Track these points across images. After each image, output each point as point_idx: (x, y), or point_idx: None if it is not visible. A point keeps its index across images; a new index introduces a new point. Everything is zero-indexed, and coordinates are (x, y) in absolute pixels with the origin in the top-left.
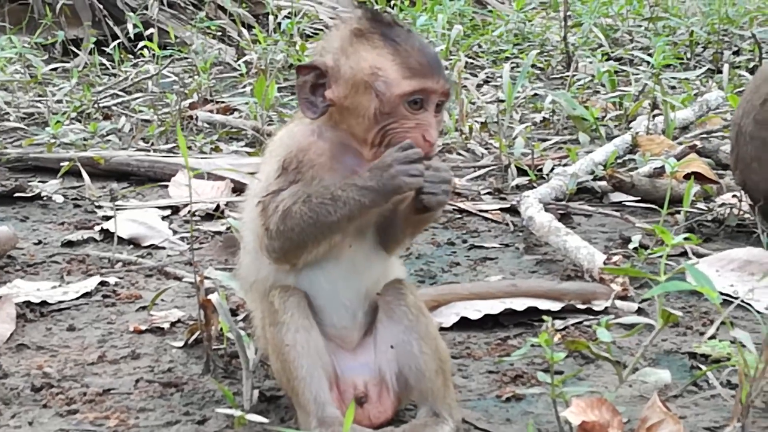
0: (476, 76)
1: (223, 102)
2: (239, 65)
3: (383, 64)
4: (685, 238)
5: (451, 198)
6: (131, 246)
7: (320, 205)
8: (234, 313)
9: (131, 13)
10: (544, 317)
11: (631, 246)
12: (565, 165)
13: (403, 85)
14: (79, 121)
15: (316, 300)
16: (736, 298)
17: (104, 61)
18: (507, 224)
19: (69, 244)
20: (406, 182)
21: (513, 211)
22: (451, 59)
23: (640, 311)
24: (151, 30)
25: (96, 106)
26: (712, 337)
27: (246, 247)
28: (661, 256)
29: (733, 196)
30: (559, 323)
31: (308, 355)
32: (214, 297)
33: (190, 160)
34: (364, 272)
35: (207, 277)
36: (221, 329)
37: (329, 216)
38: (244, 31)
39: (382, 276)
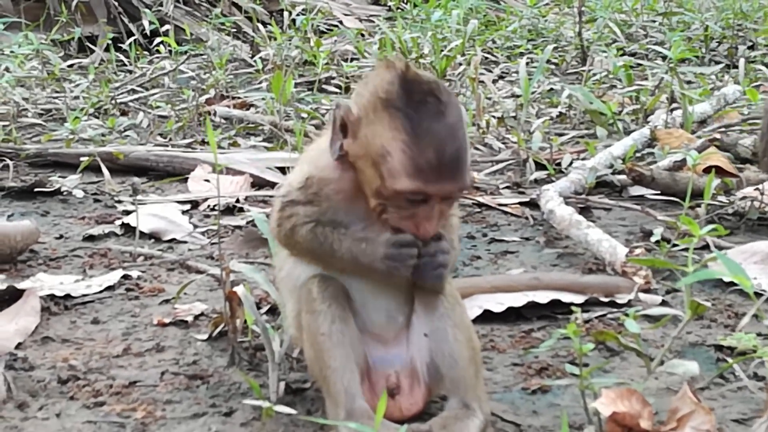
0: (491, 71)
1: (239, 98)
2: (255, 61)
3: (393, 151)
4: (712, 230)
5: (470, 193)
6: (152, 240)
7: (324, 243)
8: (257, 306)
9: (147, 10)
10: (573, 308)
11: (653, 239)
12: (583, 159)
13: (402, 183)
14: (97, 117)
15: (355, 299)
16: (761, 291)
17: (121, 57)
18: (527, 218)
19: (90, 238)
20: (392, 267)
21: (532, 204)
22: (466, 55)
23: (663, 303)
24: (167, 26)
25: (113, 102)
26: (736, 329)
27: None
28: (683, 249)
29: (755, 189)
30: (582, 316)
31: (343, 346)
32: (239, 289)
33: (208, 154)
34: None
35: (232, 270)
36: (245, 322)
37: (330, 258)
38: (261, 27)
39: None
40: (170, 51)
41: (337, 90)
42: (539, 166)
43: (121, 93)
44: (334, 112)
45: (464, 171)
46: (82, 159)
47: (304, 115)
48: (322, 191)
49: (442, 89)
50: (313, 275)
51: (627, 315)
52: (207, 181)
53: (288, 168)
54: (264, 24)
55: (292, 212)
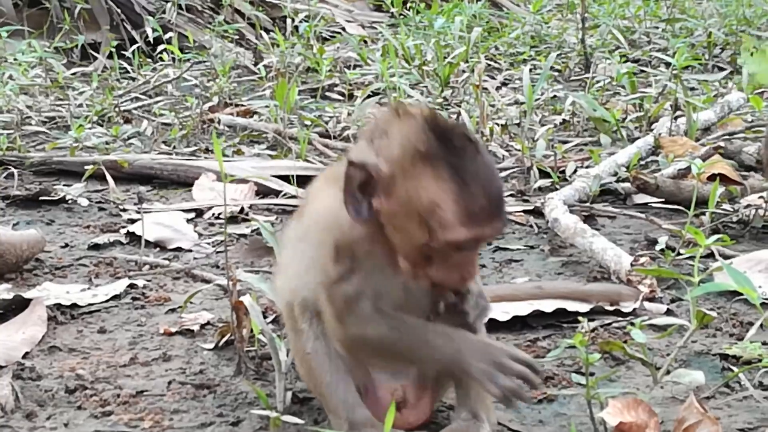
0: (494, 78)
1: (242, 105)
2: (258, 69)
3: (444, 202)
4: (718, 239)
5: None
6: (157, 249)
7: (401, 335)
8: (263, 315)
9: (150, 17)
10: (579, 318)
11: (657, 247)
12: (587, 167)
13: (459, 232)
14: (101, 125)
15: None
16: (766, 300)
17: (124, 64)
18: (531, 226)
19: (95, 246)
20: (492, 380)
21: (537, 213)
22: (470, 62)
23: (668, 312)
24: (170, 34)
25: (117, 109)
26: (743, 338)
27: (282, 262)
28: (688, 258)
29: (759, 197)
30: (588, 325)
31: (330, 360)
32: (246, 299)
33: (212, 163)
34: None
35: (238, 280)
36: (252, 331)
37: (411, 353)
38: (264, 35)
39: None
40: (173, 58)
41: (341, 97)
42: (543, 174)
43: (125, 101)
44: (348, 171)
45: (505, 207)
46: (86, 167)
47: (308, 122)
48: (357, 252)
49: (467, 128)
50: (292, 289)
51: (632, 324)
52: (211, 189)
53: (291, 177)
54: (267, 31)
55: (344, 293)
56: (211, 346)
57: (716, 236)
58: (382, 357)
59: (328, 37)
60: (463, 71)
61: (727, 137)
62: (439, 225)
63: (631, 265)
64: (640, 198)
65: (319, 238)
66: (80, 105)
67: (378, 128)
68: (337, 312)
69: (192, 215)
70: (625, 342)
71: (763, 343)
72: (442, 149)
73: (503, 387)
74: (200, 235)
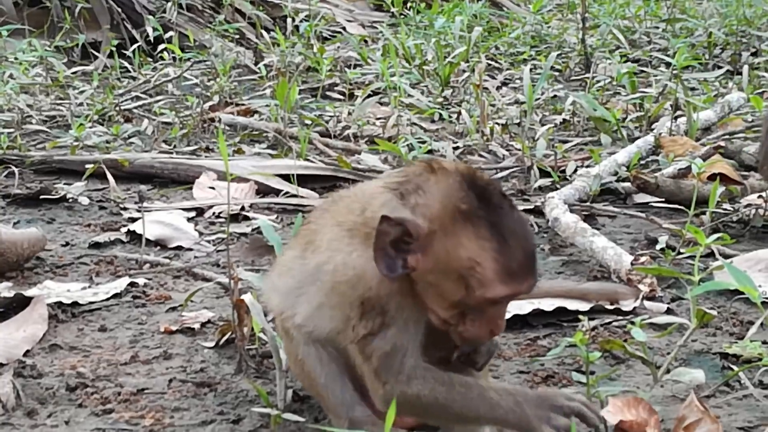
0: (495, 78)
1: (243, 104)
2: (259, 68)
3: (484, 261)
4: (718, 238)
5: None
6: (158, 247)
7: (462, 396)
8: (264, 313)
9: (150, 17)
10: (580, 317)
11: (657, 247)
12: (588, 166)
13: (498, 290)
14: (101, 124)
15: None
16: (767, 299)
17: (124, 63)
18: (531, 225)
19: (96, 245)
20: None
21: (537, 212)
22: (470, 61)
23: (668, 311)
24: (170, 33)
25: (117, 108)
26: (742, 337)
27: (276, 283)
28: (689, 257)
29: (759, 196)
30: (583, 323)
31: (322, 365)
32: (247, 297)
33: (212, 162)
34: None
35: (239, 278)
36: (252, 329)
37: (468, 411)
38: (265, 34)
39: None
40: (174, 58)
41: (341, 97)
42: (543, 174)
43: (126, 100)
44: (383, 227)
45: (537, 260)
46: (87, 166)
47: (308, 122)
48: (388, 305)
49: (500, 185)
50: (279, 305)
51: (632, 323)
52: (212, 188)
53: (291, 176)
54: (267, 30)
55: (380, 349)
56: (212, 344)
57: (716, 235)
58: (432, 416)
59: (328, 37)
60: (464, 71)
61: (727, 137)
62: (478, 283)
63: (632, 264)
64: (641, 197)
65: (342, 293)
66: (81, 104)
67: (411, 183)
68: (375, 370)
69: (192, 214)
70: (626, 341)
71: (763, 342)
72: (483, 208)
73: (558, 426)
74: (201, 233)
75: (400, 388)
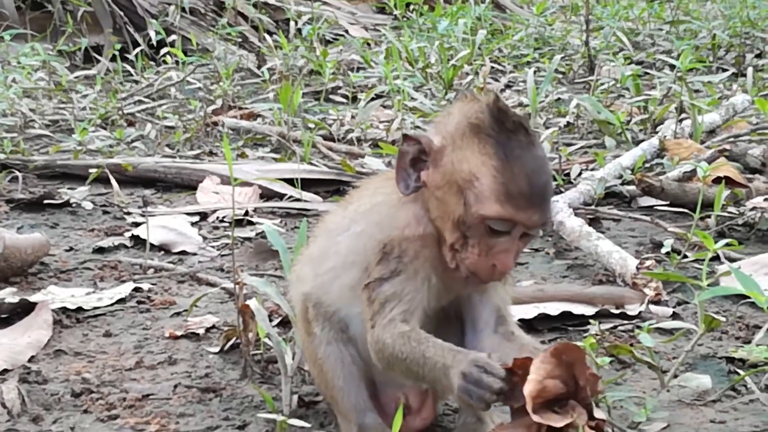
0: (498, 81)
1: (246, 108)
2: (262, 72)
3: (482, 176)
4: (727, 244)
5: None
6: (162, 252)
7: (414, 353)
8: (269, 318)
9: (153, 20)
10: (591, 321)
11: (663, 250)
12: (592, 169)
13: (491, 208)
14: (104, 128)
15: (355, 330)
16: None
17: (127, 67)
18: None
19: (100, 250)
20: (465, 390)
21: None
22: (474, 64)
23: (674, 315)
24: (173, 36)
25: (120, 112)
26: (748, 341)
27: (312, 260)
28: (694, 261)
29: (765, 200)
30: (593, 328)
31: (343, 366)
32: (252, 303)
33: (216, 165)
34: None
35: (244, 283)
36: (258, 335)
37: (418, 368)
38: (267, 38)
39: None
40: (177, 61)
41: (344, 100)
42: None
43: (128, 104)
44: (403, 146)
45: (550, 204)
46: (90, 170)
47: (312, 125)
48: (406, 250)
49: (530, 124)
50: (306, 293)
51: (639, 327)
52: (216, 192)
53: (295, 180)
54: (270, 34)
55: (382, 296)
56: (217, 349)
57: (725, 240)
58: (395, 368)
59: (331, 40)
60: (467, 74)
61: (732, 140)
62: (474, 197)
63: (637, 268)
64: (645, 201)
65: (368, 233)
66: (84, 108)
67: (445, 111)
68: (372, 313)
69: (196, 218)
70: (632, 345)
71: None
72: (495, 128)
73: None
74: (205, 238)
75: (378, 334)
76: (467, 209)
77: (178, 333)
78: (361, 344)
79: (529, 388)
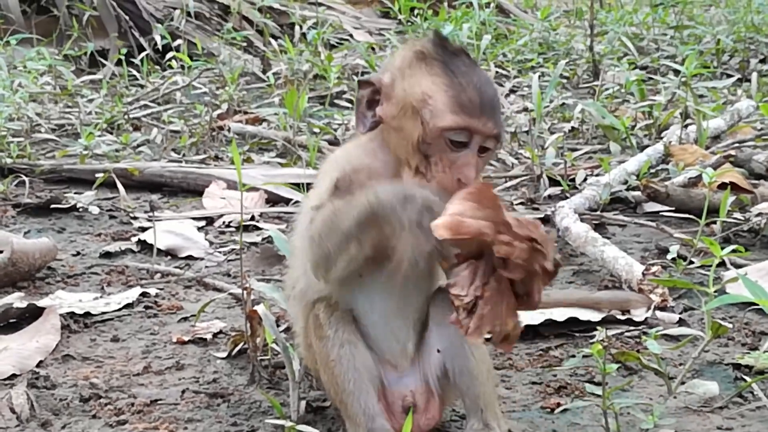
0: (503, 85)
1: (251, 113)
2: (267, 76)
3: (434, 93)
4: (733, 250)
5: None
6: (168, 257)
7: (339, 208)
8: (276, 324)
9: (158, 24)
10: (598, 328)
11: (669, 256)
12: (597, 175)
13: (447, 119)
14: (110, 133)
15: (367, 328)
16: None
17: (132, 71)
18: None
19: (107, 255)
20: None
21: (547, 221)
22: None
23: (681, 321)
24: (178, 41)
25: (126, 117)
26: (755, 348)
27: (295, 258)
28: (700, 266)
29: None
30: (599, 334)
31: (355, 369)
32: (260, 308)
33: (222, 170)
34: (418, 308)
35: (251, 288)
36: (265, 340)
37: (344, 219)
38: (272, 42)
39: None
40: (182, 66)
41: (349, 104)
42: (553, 182)
43: (134, 108)
44: (358, 94)
45: (500, 116)
46: (97, 175)
47: (317, 130)
48: (354, 181)
49: (466, 48)
50: (319, 298)
51: (645, 334)
52: (222, 197)
53: (303, 185)
54: (275, 38)
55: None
56: (224, 355)
57: (731, 247)
58: (330, 243)
59: (336, 44)
60: None
61: (737, 145)
62: (430, 114)
63: (643, 274)
64: (651, 206)
65: (325, 171)
66: (90, 112)
67: (392, 53)
68: (310, 232)
69: (203, 223)
70: (638, 351)
71: None
72: (439, 51)
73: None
74: (211, 243)
75: (312, 234)
76: (425, 127)
77: (186, 338)
78: (372, 331)
79: (442, 219)
